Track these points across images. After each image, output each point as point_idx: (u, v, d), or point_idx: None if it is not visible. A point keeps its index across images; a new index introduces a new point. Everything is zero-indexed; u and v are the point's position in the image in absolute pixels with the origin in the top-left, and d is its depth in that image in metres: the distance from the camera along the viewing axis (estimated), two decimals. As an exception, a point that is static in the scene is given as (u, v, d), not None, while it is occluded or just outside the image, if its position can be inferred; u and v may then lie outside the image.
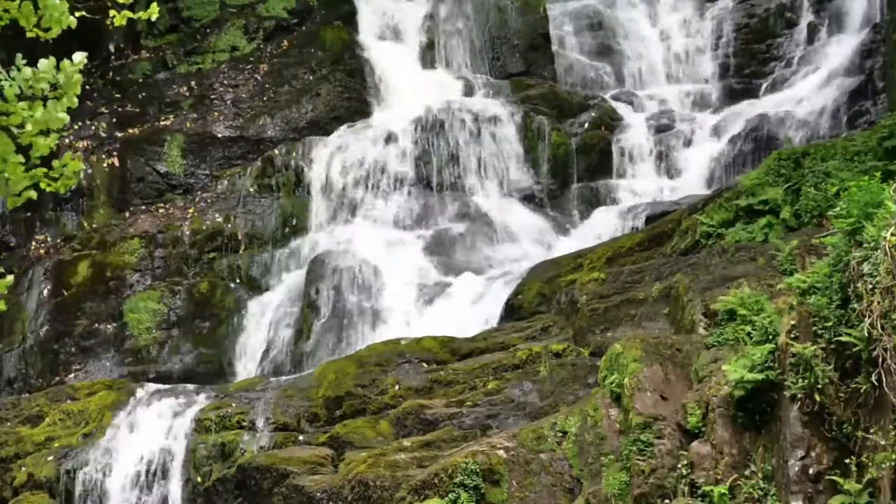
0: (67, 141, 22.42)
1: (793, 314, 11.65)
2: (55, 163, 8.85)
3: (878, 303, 10.52)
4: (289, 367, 19.19)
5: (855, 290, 10.88)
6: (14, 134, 8.53)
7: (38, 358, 20.03)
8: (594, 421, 13.25)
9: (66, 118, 8.61)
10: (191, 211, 21.67)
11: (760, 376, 11.71)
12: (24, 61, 8.48)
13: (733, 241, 16.36)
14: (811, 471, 11.10)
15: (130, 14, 9.24)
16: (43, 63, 8.44)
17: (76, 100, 8.59)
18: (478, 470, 12.93)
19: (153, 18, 9.31)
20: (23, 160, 8.72)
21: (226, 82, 23.88)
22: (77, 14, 8.96)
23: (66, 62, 8.49)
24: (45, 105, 8.46)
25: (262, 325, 20.04)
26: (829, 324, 11.20)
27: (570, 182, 22.27)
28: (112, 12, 9.20)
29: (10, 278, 9.41)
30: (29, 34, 8.85)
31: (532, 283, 18.29)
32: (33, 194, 8.81)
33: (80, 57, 8.51)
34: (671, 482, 12.14)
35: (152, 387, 17.63)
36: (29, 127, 8.47)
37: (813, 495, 11.04)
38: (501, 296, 18.64)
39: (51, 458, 15.94)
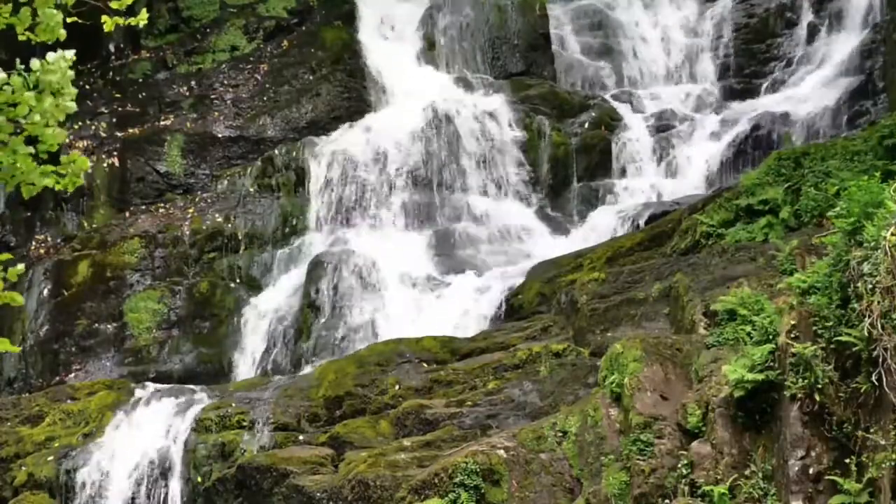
0: (68, 141, 22.39)
1: (793, 314, 11.64)
2: (63, 159, 8.87)
3: (878, 302, 10.52)
4: (289, 367, 19.18)
5: (855, 289, 10.88)
6: (22, 126, 8.53)
7: (38, 358, 20.02)
8: (594, 421, 13.25)
9: (74, 106, 8.60)
10: (191, 211, 21.66)
11: (760, 376, 11.71)
12: (22, 67, 8.49)
13: (733, 241, 16.35)
14: (811, 471, 11.11)
15: (120, 21, 9.23)
16: (51, 56, 8.44)
17: (73, 92, 8.58)
18: (478, 470, 12.93)
19: (141, 25, 9.28)
20: (32, 152, 8.73)
21: (226, 82, 23.87)
22: (69, 20, 8.96)
23: (57, 56, 8.48)
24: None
25: (262, 324, 20.02)
26: (829, 324, 11.20)
27: (570, 182, 22.26)
28: (104, 18, 9.20)
29: (20, 266, 9.44)
30: (21, 37, 8.86)
31: (532, 283, 18.29)
32: (49, 181, 8.79)
33: (70, 54, 8.51)
34: (671, 482, 12.14)
35: (152, 387, 17.63)
36: (37, 118, 8.46)
37: (813, 495, 11.04)
38: (501, 296, 18.64)
39: (51, 458, 15.93)
